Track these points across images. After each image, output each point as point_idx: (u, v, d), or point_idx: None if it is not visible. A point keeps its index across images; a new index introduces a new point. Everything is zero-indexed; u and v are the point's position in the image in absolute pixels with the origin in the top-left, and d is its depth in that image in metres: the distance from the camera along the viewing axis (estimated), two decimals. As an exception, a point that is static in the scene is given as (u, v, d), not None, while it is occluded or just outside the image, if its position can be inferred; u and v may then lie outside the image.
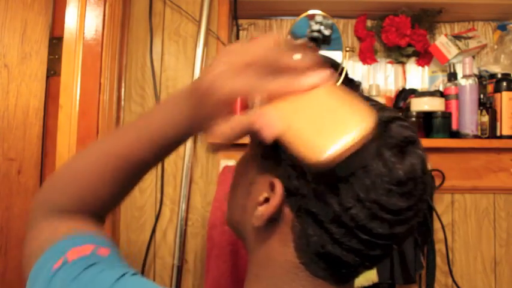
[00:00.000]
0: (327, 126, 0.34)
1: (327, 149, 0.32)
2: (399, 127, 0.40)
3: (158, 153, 0.48)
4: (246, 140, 0.45)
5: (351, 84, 1.19)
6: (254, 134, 0.37)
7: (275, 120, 0.36)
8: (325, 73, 0.38)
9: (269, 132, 0.35)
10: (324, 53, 1.24)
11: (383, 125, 0.39)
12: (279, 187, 0.39)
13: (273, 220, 0.41)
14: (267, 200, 0.40)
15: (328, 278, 0.41)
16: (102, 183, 0.49)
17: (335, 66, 1.22)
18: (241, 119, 0.38)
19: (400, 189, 0.38)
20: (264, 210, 0.40)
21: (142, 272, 1.15)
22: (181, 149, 1.16)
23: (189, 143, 1.15)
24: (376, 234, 0.38)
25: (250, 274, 0.46)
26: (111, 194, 0.50)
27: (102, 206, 0.51)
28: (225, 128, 0.38)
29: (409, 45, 1.26)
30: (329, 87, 0.37)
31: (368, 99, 0.43)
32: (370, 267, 0.42)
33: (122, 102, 1.18)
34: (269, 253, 0.42)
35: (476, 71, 1.24)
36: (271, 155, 0.41)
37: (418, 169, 0.39)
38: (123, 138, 0.49)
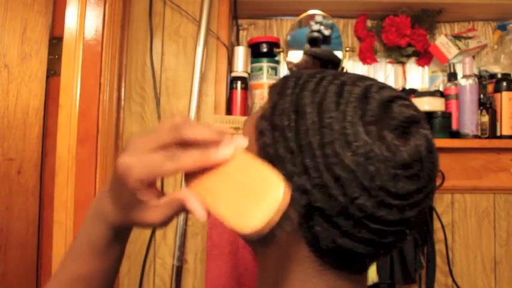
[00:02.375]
0: (247, 198, 0.34)
1: (251, 222, 0.32)
2: (400, 107, 0.38)
3: (107, 259, 0.46)
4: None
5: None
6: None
7: (198, 201, 0.36)
8: (234, 141, 0.37)
9: (200, 214, 0.36)
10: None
11: (384, 105, 0.38)
12: None
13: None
14: None
15: (344, 269, 0.41)
16: None
17: (335, 62, 1.22)
18: (173, 198, 0.38)
19: (407, 172, 0.36)
20: None
21: (142, 272, 1.15)
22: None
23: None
24: (387, 222, 0.37)
25: (265, 281, 0.45)
26: None
27: None
28: (161, 207, 0.38)
29: (409, 45, 1.26)
30: (240, 155, 0.36)
31: (368, 78, 0.41)
32: (385, 255, 0.41)
33: (122, 102, 1.18)
34: (283, 253, 0.42)
35: (476, 71, 1.25)
36: (272, 157, 0.40)
37: (423, 149, 0.37)
38: (69, 266, 0.46)
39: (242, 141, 0.37)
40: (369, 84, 0.39)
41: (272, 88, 0.44)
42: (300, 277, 0.41)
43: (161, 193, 0.39)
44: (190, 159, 0.36)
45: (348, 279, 0.41)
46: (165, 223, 0.39)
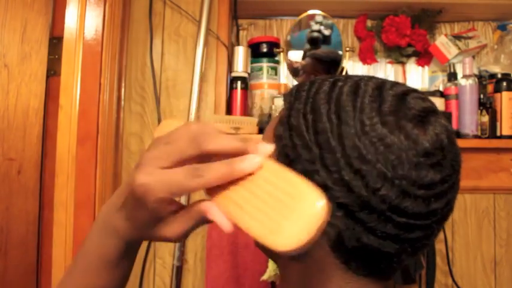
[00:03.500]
0: (280, 213, 0.30)
1: (288, 240, 0.29)
2: (416, 99, 0.38)
3: (118, 272, 0.44)
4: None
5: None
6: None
7: (224, 211, 0.33)
8: (260, 148, 0.33)
9: (225, 225, 0.33)
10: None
11: (399, 98, 0.37)
12: None
13: None
14: None
15: (372, 275, 0.39)
16: None
17: (337, 61, 1.22)
18: (193, 210, 0.34)
19: (429, 160, 0.35)
20: None
21: (142, 272, 1.15)
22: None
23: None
24: (412, 214, 0.36)
25: None
26: None
27: None
28: (181, 220, 0.35)
29: (409, 45, 1.26)
30: (268, 164, 0.33)
31: (380, 78, 0.41)
32: (412, 255, 0.39)
33: (122, 102, 1.18)
34: (307, 262, 0.40)
35: (476, 71, 1.24)
36: (291, 157, 0.39)
37: (444, 138, 0.37)
38: (75, 280, 0.44)
39: (268, 147, 0.33)
40: (382, 81, 0.39)
41: (287, 94, 0.43)
42: (326, 287, 0.39)
43: (180, 205, 0.36)
44: (216, 173, 0.32)
45: (376, 286, 0.40)
46: (183, 237, 0.36)
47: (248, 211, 0.32)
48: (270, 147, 0.33)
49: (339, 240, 0.37)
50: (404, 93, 0.38)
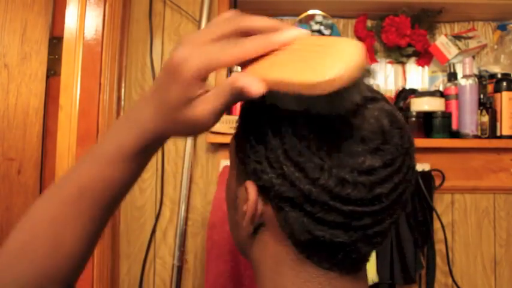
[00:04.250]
0: (318, 58, 0.29)
1: (326, 72, 0.28)
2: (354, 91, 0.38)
3: (134, 166, 0.41)
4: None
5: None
6: (240, 97, 0.34)
7: (257, 75, 0.33)
8: (298, 30, 0.33)
9: (255, 85, 0.32)
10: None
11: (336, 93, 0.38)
12: (251, 186, 0.39)
13: (262, 225, 0.41)
14: None
15: (336, 267, 0.40)
16: (74, 234, 0.41)
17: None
18: (222, 85, 0.34)
19: (366, 146, 0.36)
20: (247, 215, 0.39)
21: (142, 272, 1.15)
22: (181, 148, 1.17)
23: (189, 143, 1.15)
24: (355, 201, 0.36)
25: None
26: (82, 246, 0.42)
27: (68, 271, 0.42)
28: (210, 98, 0.34)
29: (409, 45, 1.26)
30: (304, 38, 0.33)
31: None
32: (369, 243, 0.39)
33: (122, 102, 1.18)
34: (274, 259, 0.41)
35: (476, 71, 1.24)
36: (242, 159, 0.41)
37: (385, 123, 0.37)
38: (87, 169, 0.41)
39: (302, 30, 0.34)
40: None
41: (246, 101, 0.44)
42: (295, 282, 0.40)
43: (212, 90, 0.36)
44: (253, 44, 0.33)
45: (345, 280, 0.41)
46: (213, 116, 0.35)
47: (284, 65, 0.31)
48: (304, 31, 0.33)
49: (293, 234, 0.38)
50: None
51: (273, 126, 0.38)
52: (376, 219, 0.38)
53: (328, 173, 0.35)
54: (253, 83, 0.32)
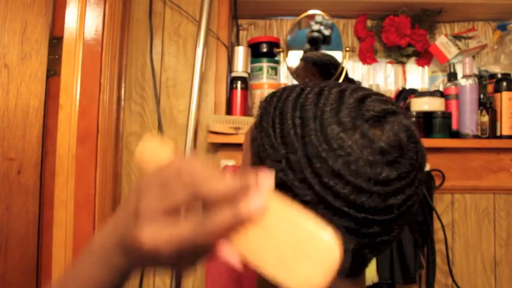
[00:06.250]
0: (296, 259, 0.30)
1: (309, 280, 0.30)
2: (375, 101, 0.39)
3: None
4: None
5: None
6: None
7: (235, 248, 0.32)
8: (260, 183, 0.31)
9: (234, 261, 0.31)
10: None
11: (358, 101, 0.39)
12: None
13: None
14: None
15: (339, 271, 0.40)
16: None
17: (336, 65, 1.22)
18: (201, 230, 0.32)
19: (384, 158, 0.37)
20: None
21: (142, 272, 1.15)
22: (181, 149, 1.16)
23: (189, 143, 1.15)
24: (369, 209, 0.37)
25: None
26: None
27: None
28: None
29: (409, 45, 1.26)
30: (274, 202, 0.32)
31: (346, 84, 0.43)
32: (374, 251, 0.40)
33: (122, 102, 1.18)
34: None
35: (476, 71, 1.25)
36: (262, 158, 0.41)
37: (403, 137, 0.38)
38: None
39: (268, 180, 0.32)
40: (345, 87, 0.42)
41: (262, 101, 0.46)
42: None
43: None
44: (222, 223, 0.30)
45: (344, 282, 0.41)
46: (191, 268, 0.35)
47: (263, 256, 0.31)
48: (270, 180, 0.32)
49: None
50: (365, 96, 0.40)
51: (296, 128, 0.39)
52: (385, 228, 0.39)
53: (345, 180, 0.37)
54: (233, 259, 0.31)
